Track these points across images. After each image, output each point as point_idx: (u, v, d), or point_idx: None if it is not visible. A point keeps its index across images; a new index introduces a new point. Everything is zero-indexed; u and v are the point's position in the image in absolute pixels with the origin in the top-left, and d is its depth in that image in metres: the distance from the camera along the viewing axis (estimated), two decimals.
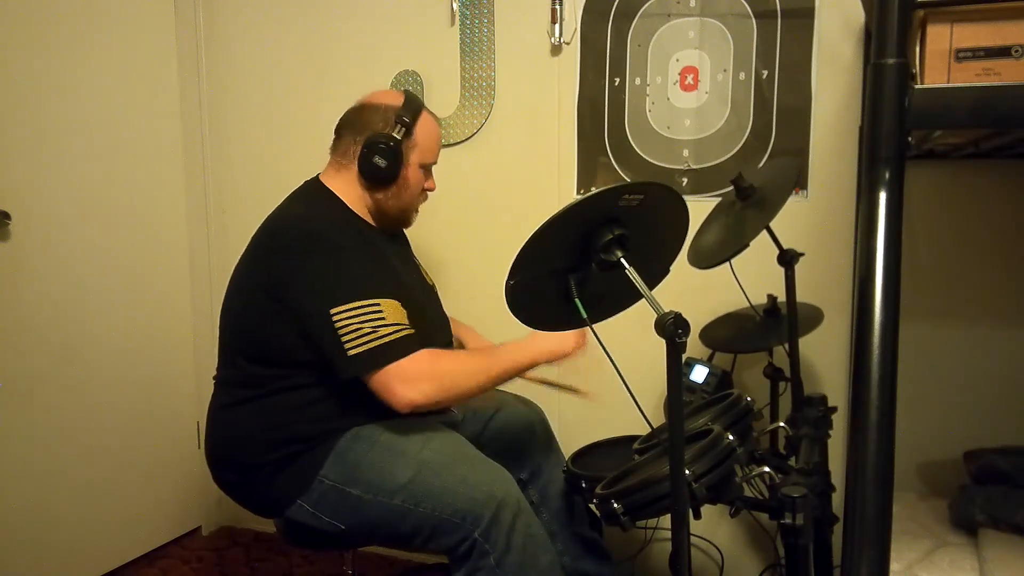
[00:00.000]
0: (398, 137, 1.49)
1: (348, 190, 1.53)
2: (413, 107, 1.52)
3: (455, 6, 2.05)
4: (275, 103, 2.28)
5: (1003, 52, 0.90)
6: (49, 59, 1.97)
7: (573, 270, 1.13)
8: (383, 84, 2.11)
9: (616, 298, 1.24)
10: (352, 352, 1.31)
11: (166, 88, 2.31)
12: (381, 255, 1.52)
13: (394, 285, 1.43)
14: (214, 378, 1.54)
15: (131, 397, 2.21)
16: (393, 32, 2.13)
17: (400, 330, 1.35)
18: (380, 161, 1.48)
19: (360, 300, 1.33)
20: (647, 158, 1.94)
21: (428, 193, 1.62)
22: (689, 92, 1.89)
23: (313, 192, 1.55)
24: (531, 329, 1.21)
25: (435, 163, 1.60)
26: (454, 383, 1.37)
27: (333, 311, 1.32)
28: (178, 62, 2.33)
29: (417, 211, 1.62)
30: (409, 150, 1.51)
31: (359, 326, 1.31)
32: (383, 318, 1.33)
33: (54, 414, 2.00)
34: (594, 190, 1.26)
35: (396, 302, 1.37)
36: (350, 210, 1.53)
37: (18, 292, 1.91)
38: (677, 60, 1.89)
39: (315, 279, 1.36)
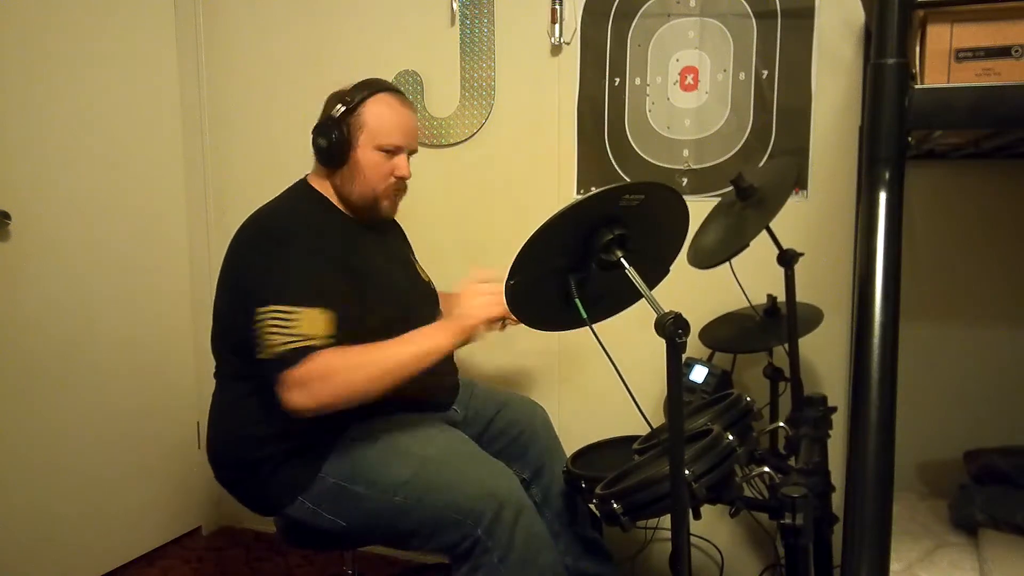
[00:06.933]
0: (336, 116, 1.49)
1: (324, 184, 1.56)
2: (363, 88, 1.52)
3: (455, 6, 2.05)
4: (275, 103, 2.28)
5: (1003, 52, 0.90)
6: (49, 59, 1.96)
7: (573, 270, 1.13)
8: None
9: (616, 298, 1.24)
10: (260, 355, 1.32)
11: (166, 88, 2.31)
12: (339, 254, 1.45)
13: (332, 290, 1.37)
14: (214, 375, 1.55)
15: (131, 397, 2.21)
16: (393, 32, 2.13)
17: (303, 340, 1.30)
18: (322, 141, 1.50)
19: (283, 305, 1.32)
20: (647, 158, 1.94)
21: (403, 182, 1.55)
22: (689, 92, 1.89)
23: (293, 189, 1.57)
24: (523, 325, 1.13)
25: (401, 147, 1.53)
26: (343, 383, 1.31)
27: (260, 310, 1.32)
28: (178, 62, 2.33)
29: (391, 200, 1.56)
30: (356, 130, 1.49)
31: (273, 331, 1.30)
32: (297, 325, 1.30)
33: (54, 414, 2.00)
34: (594, 190, 1.26)
35: (319, 310, 1.33)
36: (328, 204, 1.54)
37: (18, 292, 1.91)
38: (677, 60, 1.89)
39: (256, 273, 1.39)
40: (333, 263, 1.42)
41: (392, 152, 1.52)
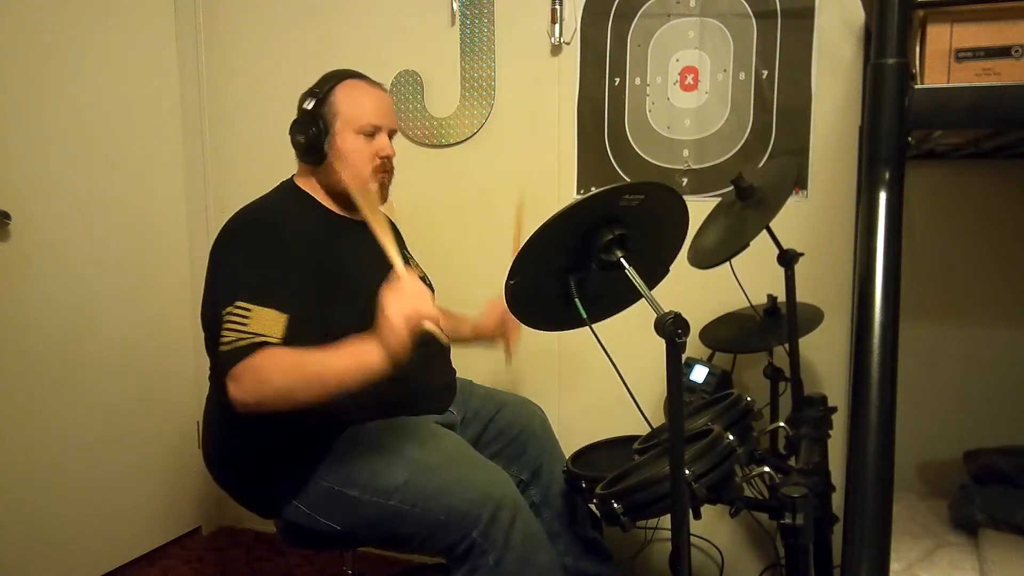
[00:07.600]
0: (308, 109, 1.49)
1: (309, 182, 1.55)
2: (330, 78, 1.52)
3: (455, 6, 2.05)
4: (275, 103, 2.28)
5: (1003, 52, 0.90)
6: (49, 59, 1.96)
7: (573, 270, 1.13)
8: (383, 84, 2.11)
9: (616, 298, 1.24)
10: (218, 351, 1.28)
11: (166, 88, 2.31)
12: (307, 254, 1.40)
13: (291, 291, 1.33)
14: (209, 377, 1.54)
15: (131, 397, 2.21)
16: (393, 32, 2.13)
17: (253, 337, 1.26)
18: (300, 137, 1.50)
19: (240, 302, 1.28)
20: (647, 158, 1.94)
21: (388, 162, 1.52)
22: (689, 92, 1.89)
23: (276, 188, 1.57)
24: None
25: (380, 127, 1.51)
26: (277, 381, 1.24)
27: (223, 311, 1.29)
28: (178, 62, 2.33)
29: (381, 183, 1.53)
30: (332, 118, 1.48)
31: (229, 327, 1.27)
32: (250, 323, 1.27)
33: (54, 414, 2.00)
34: (594, 190, 1.26)
35: (274, 312, 1.29)
36: (312, 202, 1.53)
37: (18, 292, 1.91)
38: (677, 60, 1.89)
39: (223, 273, 1.37)
40: (298, 263, 1.38)
41: (371, 134, 1.50)
